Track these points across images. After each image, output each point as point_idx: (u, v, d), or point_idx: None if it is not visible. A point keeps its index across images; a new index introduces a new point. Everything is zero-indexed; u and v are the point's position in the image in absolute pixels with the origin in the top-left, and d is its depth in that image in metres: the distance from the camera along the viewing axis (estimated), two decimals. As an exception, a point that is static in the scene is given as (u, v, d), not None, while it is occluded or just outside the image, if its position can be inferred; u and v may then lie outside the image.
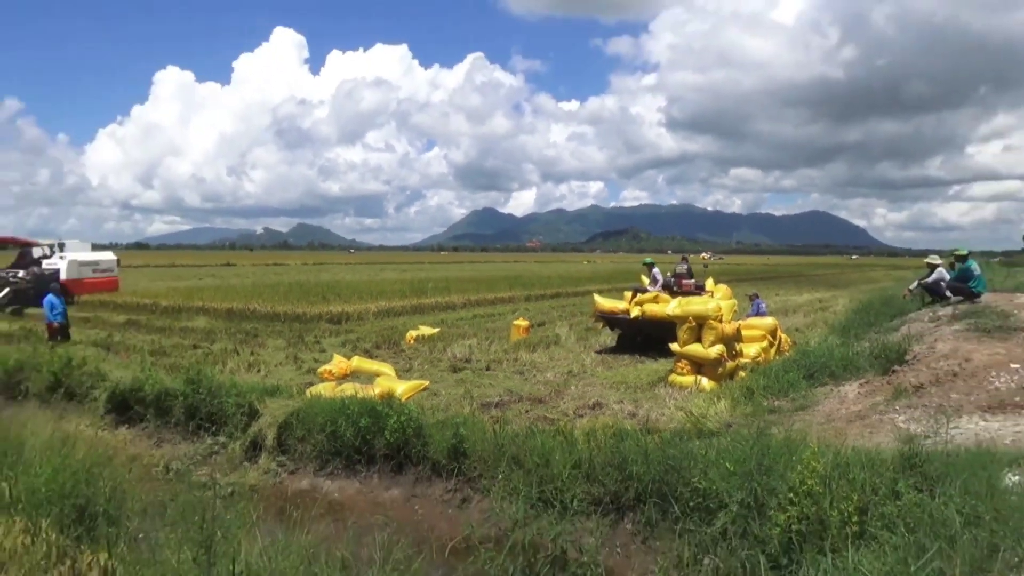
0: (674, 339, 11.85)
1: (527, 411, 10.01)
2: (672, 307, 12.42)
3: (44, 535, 4.72)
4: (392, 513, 7.34)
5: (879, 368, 10.12)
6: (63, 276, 25.94)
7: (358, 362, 13.16)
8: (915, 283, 16.85)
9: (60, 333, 16.21)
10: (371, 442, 8.64)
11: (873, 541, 4.43)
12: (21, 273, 25.55)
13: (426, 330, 18.30)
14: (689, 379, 11.33)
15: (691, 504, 6.02)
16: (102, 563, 4.39)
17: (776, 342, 13.55)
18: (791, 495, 5.09)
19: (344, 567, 4.51)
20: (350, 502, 8.09)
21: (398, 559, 4.58)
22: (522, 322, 18.28)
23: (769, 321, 14.00)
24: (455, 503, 7.79)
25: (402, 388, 10.88)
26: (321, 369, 12.93)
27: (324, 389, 10.75)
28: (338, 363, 12.95)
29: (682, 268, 19.22)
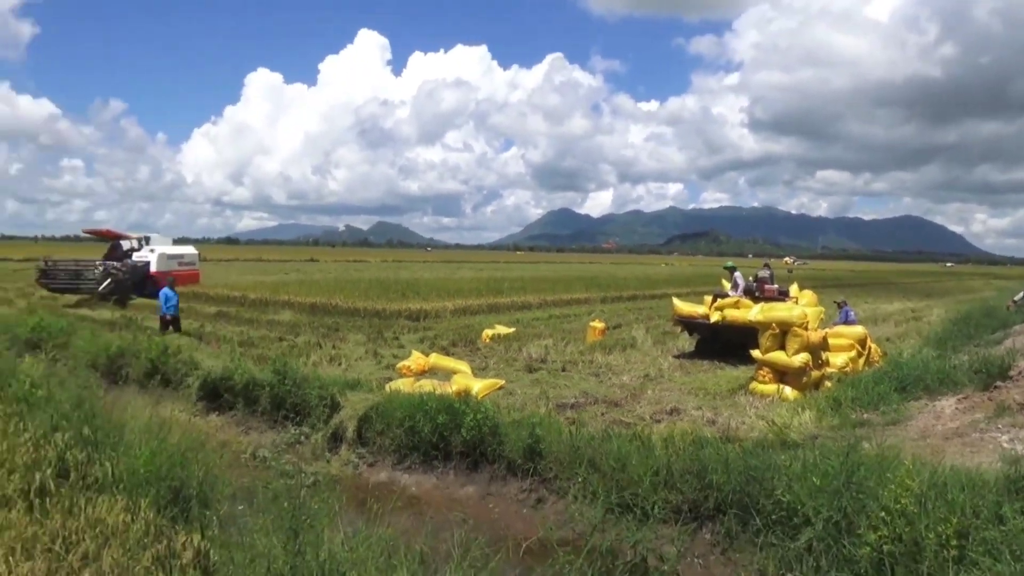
0: (755, 345, 11.54)
1: (603, 414, 9.93)
2: (754, 313, 12.09)
3: (143, 514, 4.96)
4: (468, 510, 7.40)
5: (979, 383, 9.58)
6: (153, 268, 27.08)
7: (436, 359, 13.30)
8: (1020, 294, 15.88)
9: (172, 324, 16.89)
10: (448, 438, 8.73)
11: (974, 568, 4.20)
12: (118, 264, 26.83)
13: (502, 329, 18.39)
14: (771, 388, 11.01)
15: (773, 517, 5.84)
16: (196, 544, 4.58)
17: (866, 352, 13.03)
18: (883, 514, 4.88)
19: (422, 561, 4.57)
20: (427, 497, 8.21)
21: (475, 556, 4.61)
22: (598, 324, 18.15)
23: (858, 330, 13.47)
24: (530, 503, 7.80)
25: (478, 386, 10.93)
26: (400, 365, 13.15)
27: (403, 384, 10.91)
28: (416, 359, 13.14)
29: (764, 273, 18.71)
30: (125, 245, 28.70)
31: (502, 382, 11.68)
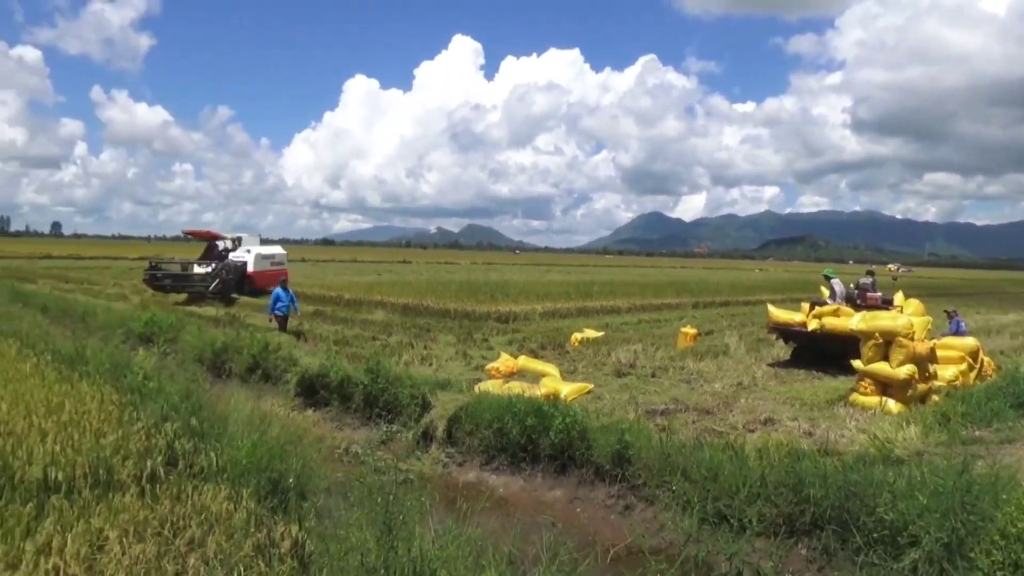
0: (856, 355, 11.04)
1: (693, 421, 9.72)
2: (856, 321, 11.56)
3: (245, 503, 5.19)
4: (556, 513, 7.38)
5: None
6: (250, 268, 28.11)
7: (524, 361, 13.35)
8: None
9: (281, 324, 17.37)
10: (536, 441, 8.73)
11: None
12: (215, 264, 27.93)
13: (591, 333, 18.25)
14: (873, 400, 10.50)
15: (875, 536, 5.56)
16: (293, 535, 4.76)
17: (978, 366, 12.25)
18: (998, 538, 4.56)
19: (510, 563, 4.58)
20: (514, 498, 8.23)
21: (563, 561, 4.58)
22: (689, 329, 17.78)
23: (970, 342, 12.68)
24: (618, 509, 7.71)
25: (567, 390, 10.89)
26: (489, 366, 13.26)
27: (492, 386, 10.99)
28: (505, 361, 13.21)
29: (866, 280, 17.86)
30: (220, 245, 29.65)
31: (591, 386, 11.60)
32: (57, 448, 5.83)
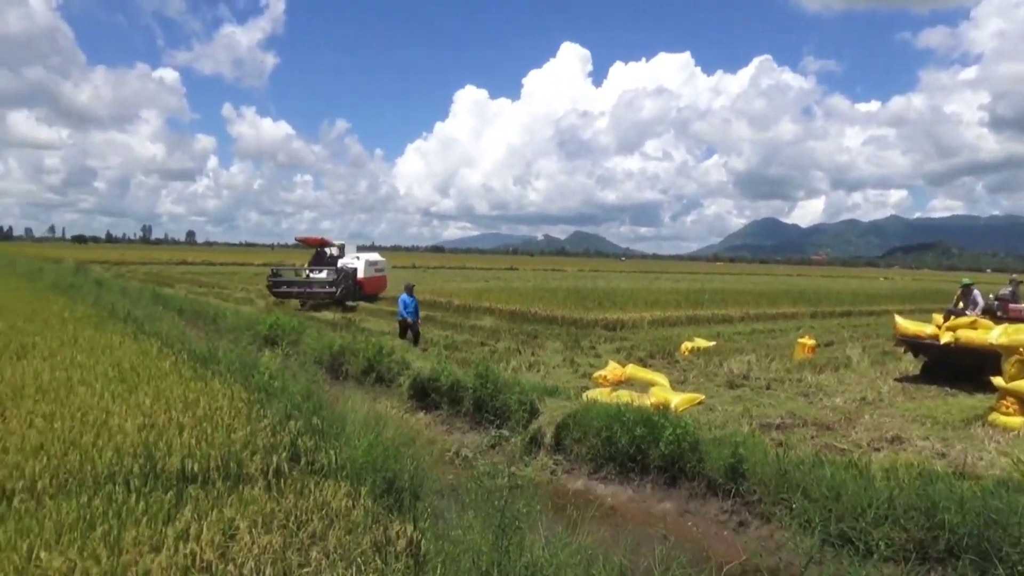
0: (996, 372, 10.29)
1: (812, 437, 9.35)
2: (996, 335, 10.77)
3: (362, 501, 5.40)
4: (666, 526, 7.25)
5: None
6: (360, 275, 28.93)
7: (633, 370, 13.25)
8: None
9: (412, 331, 17.38)
10: (645, 451, 8.61)
11: None
12: (336, 271, 28.77)
13: (702, 342, 17.98)
14: (1016, 421, 9.73)
15: (1020, 568, 5.15)
16: (408, 534, 4.90)
17: None
18: None
19: (622, 574, 4.53)
20: (623, 509, 8.14)
21: (675, 575, 4.50)
22: (807, 340, 17.10)
23: None
24: (731, 525, 7.48)
25: (677, 400, 10.73)
26: (596, 374, 13.23)
27: (600, 394, 10.94)
28: (613, 369, 13.14)
29: (1007, 291, 16.60)
30: (328, 252, 30.46)
31: (702, 397, 11.38)
32: (193, 441, 6.26)
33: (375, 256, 32.48)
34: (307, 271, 28.88)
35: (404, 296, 17.63)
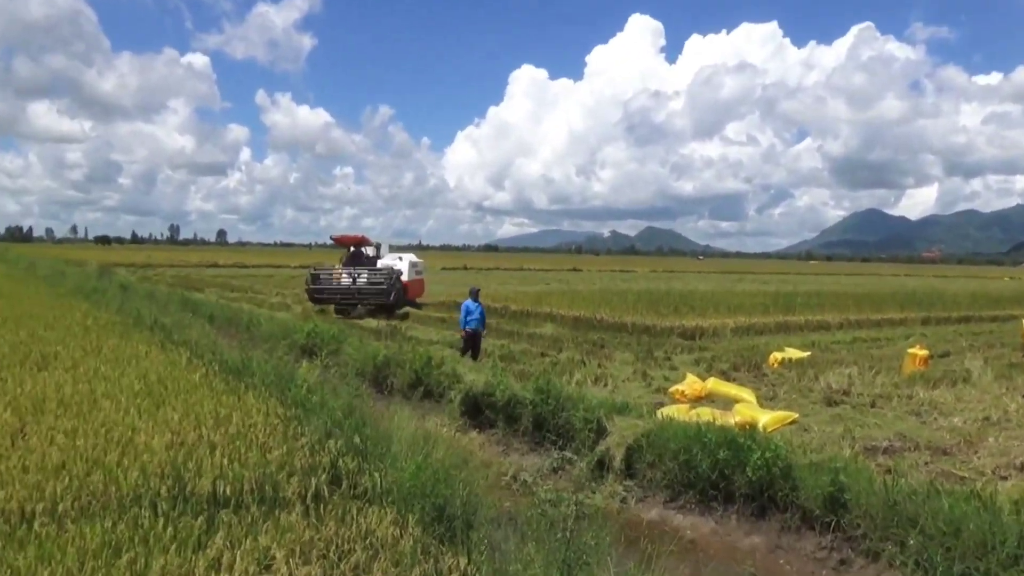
0: None
1: (926, 463, 9.08)
2: None
3: (411, 530, 5.43)
4: (755, 564, 7.10)
5: None
6: (405, 277, 28.93)
7: (714, 384, 13.13)
8: None
9: (469, 342, 16.89)
10: (730, 477, 8.46)
11: None
12: (387, 274, 28.66)
13: (793, 353, 17.75)
14: None
15: None
16: (461, 567, 4.90)
17: None
18: None
19: (704, 618, 4.45)
20: (705, 542, 8.01)
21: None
22: (919, 351, 16.61)
23: None
24: (831, 563, 7.30)
25: (766, 419, 10.57)
26: (672, 389, 13.12)
27: (676, 411, 10.83)
28: (691, 383, 13.02)
29: None
30: (367, 252, 30.17)
31: (795, 415, 11.17)
32: (225, 461, 6.41)
33: (413, 257, 32.56)
34: (344, 273, 28.46)
35: (468, 302, 17.04)
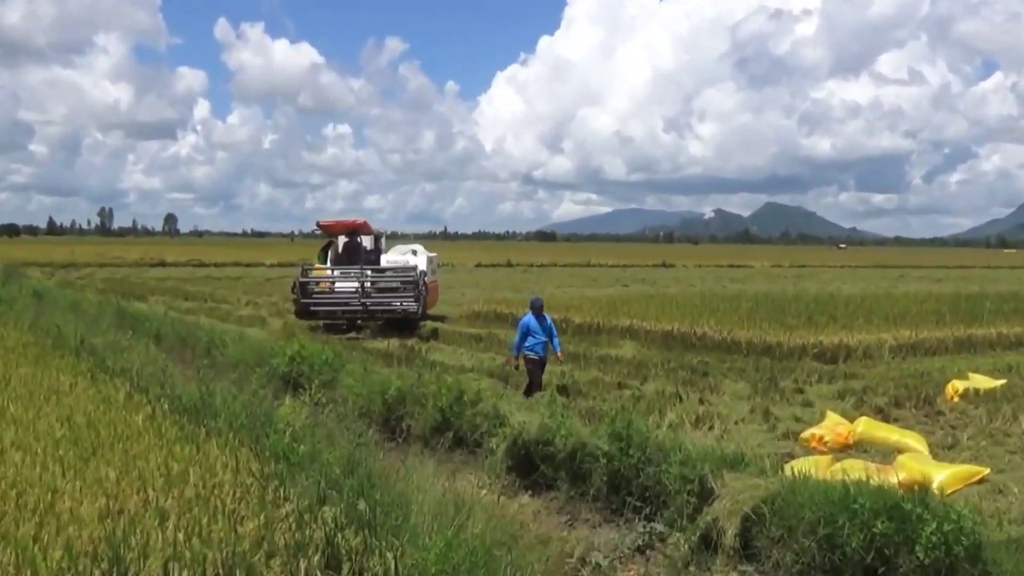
0: None
1: None
2: None
3: (440, 634, 5.46)
4: None
5: None
6: (428, 278, 29.25)
7: (866, 426, 13.11)
8: None
9: (534, 372, 16.88)
10: (891, 560, 8.36)
11: None
12: (411, 274, 28.31)
13: (981, 381, 17.66)
14: None
15: None
16: None
17: None
18: None
19: None
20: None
21: None
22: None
23: None
24: None
25: (944, 475, 10.58)
26: (807, 433, 13.06)
27: (814, 465, 10.74)
28: (834, 425, 12.96)
29: None
30: (364, 243, 30.53)
31: (985, 471, 11.11)
32: (180, 537, 6.46)
33: (426, 251, 32.26)
34: (343, 274, 28.81)
35: (529, 318, 16.70)
